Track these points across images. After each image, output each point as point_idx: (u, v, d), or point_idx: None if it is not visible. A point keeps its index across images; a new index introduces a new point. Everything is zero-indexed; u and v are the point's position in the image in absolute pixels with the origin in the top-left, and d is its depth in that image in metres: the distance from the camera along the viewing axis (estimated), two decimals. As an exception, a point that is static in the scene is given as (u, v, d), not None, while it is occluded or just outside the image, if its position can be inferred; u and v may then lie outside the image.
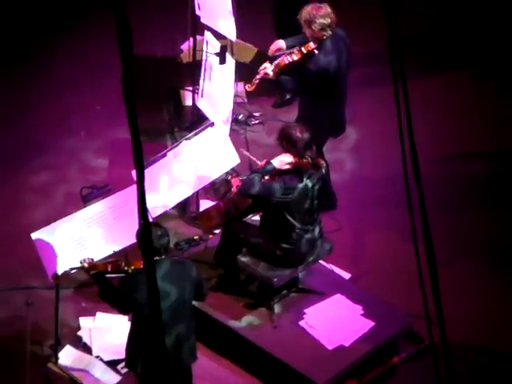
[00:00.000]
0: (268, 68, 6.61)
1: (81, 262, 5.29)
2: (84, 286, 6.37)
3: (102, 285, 5.19)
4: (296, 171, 5.81)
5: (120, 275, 5.18)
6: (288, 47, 6.68)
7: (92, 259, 5.32)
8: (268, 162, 5.87)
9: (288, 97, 7.83)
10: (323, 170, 5.96)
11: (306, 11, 6.45)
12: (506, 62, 8.56)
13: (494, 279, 6.66)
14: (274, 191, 5.75)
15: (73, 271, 5.57)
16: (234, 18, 7.31)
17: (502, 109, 8.10)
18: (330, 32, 6.46)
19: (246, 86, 6.73)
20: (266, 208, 5.91)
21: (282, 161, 5.82)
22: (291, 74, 6.66)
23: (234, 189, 6.08)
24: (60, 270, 5.61)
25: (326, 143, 6.95)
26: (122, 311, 5.39)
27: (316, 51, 6.47)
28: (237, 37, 7.39)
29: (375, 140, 7.70)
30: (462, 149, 7.75)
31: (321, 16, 6.42)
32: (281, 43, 6.72)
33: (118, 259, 5.27)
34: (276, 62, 6.61)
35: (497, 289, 6.59)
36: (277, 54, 6.72)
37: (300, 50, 6.53)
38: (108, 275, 5.21)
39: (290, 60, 6.55)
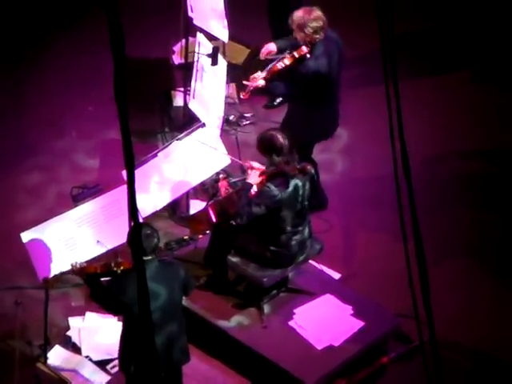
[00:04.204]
0: (260, 76, 6.60)
1: (71, 265, 5.30)
2: (73, 287, 6.37)
3: (93, 287, 5.20)
4: (282, 177, 5.80)
5: (110, 277, 5.19)
6: (279, 49, 6.68)
7: (82, 263, 5.32)
8: (245, 183, 5.89)
9: (279, 100, 7.84)
10: (312, 171, 5.97)
11: (298, 15, 6.44)
12: (500, 62, 8.60)
13: (485, 279, 6.67)
14: (270, 194, 5.75)
15: (63, 274, 5.58)
16: (227, 20, 7.32)
17: (494, 109, 8.13)
18: (322, 35, 6.46)
19: (241, 95, 6.74)
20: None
21: (255, 178, 5.86)
22: (282, 79, 6.67)
23: (222, 192, 6.09)
24: (50, 274, 5.61)
25: (317, 144, 6.97)
26: (113, 313, 5.39)
27: (308, 55, 6.48)
28: (229, 38, 7.41)
29: (366, 141, 7.72)
30: (454, 148, 7.77)
31: (313, 20, 6.41)
32: (271, 46, 6.72)
33: (107, 261, 5.27)
34: (268, 67, 6.61)
35: (487, 288, 6.61)
36: (268, 57, 6.72)
37: (292, 55, 6.52)
38: (100, 278, 5.21)
39: (283, 65, 6.55)
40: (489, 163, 7.67)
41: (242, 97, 6.75)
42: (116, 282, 5.09)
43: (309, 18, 6.40)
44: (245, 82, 6.69)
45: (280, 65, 6.55)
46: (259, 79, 6.59)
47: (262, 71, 6.62)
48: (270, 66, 6.61)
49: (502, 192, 7.39)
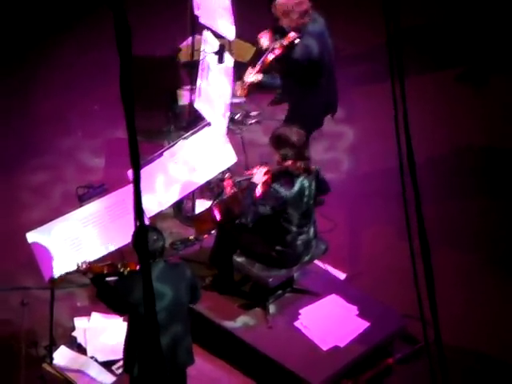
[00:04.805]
0: (254, 71, 6.61)
1: (77, 265, 5.30)
2: (79, 287, 6.37)
3: (99, 287, 5.20)
4: (287, 176, 5.78)
5: (116, 277, 5.19)
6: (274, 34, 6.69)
7: (88, 262, 5.31)
8: (250, 182, 5.87)
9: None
10: (317, 169, 5.94)
11: (282, 3, 6.45)
12: (503, 58, 8.60)
13: (492, 278, 6.65)
14: (276, 196, 5.73)
15: (69, 274, 5.57)
16: (233, 18, 7.32)
17: (497, 103, 8.12)
18: (308, 18, 6.46)
19: (238, 93, 6.74)
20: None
21: (260, 177, 5.83)
22: (275, 69, 6.66)
23: (226, 191, 6.08)
24: (56, 274, 5.61)
25: (321, 141, 6.95)
26: (119, 313, 5.39)
27: (297, 40, 6.47)
28: (235, 36, 7.40)
29: (371, 138, 7.72)
30: (458, 142, 7.77)
31: (297, 4, 6.42)
32: (267, 36, 6.70)
33: (114, 261, 5.27)
34: (260, 61, 6.62)
35: (494, 288, 6.58)
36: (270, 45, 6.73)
37: (281, 44, 6.52)
38: (106, 278, 5.22)
39: (273, 56, 6.55)
40: (493, 156, 7.67)
41: (239, 94, 6.75)
42: (122, 283, 5.09)
43: (293, 3, 6.40)
44: (244, 80, 6.68)
45: (271, 55, 6.55)
46: (253, 74, 6.59)
47: (253, 67, 6.63)
48: (261, 59, 6.61)
49: (507, 184, 7.38)
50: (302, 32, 6.47)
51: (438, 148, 7.66)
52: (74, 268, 5.35)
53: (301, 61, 6.45)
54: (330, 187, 6.97)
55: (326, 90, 6.68)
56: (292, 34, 6.47)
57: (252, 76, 6.61)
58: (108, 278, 5.21)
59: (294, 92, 6.78)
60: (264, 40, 6.71)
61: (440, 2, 9.14)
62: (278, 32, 6.65)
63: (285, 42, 6.49)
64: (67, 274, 5.56)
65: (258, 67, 6.62)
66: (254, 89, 6.85)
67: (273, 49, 6.55)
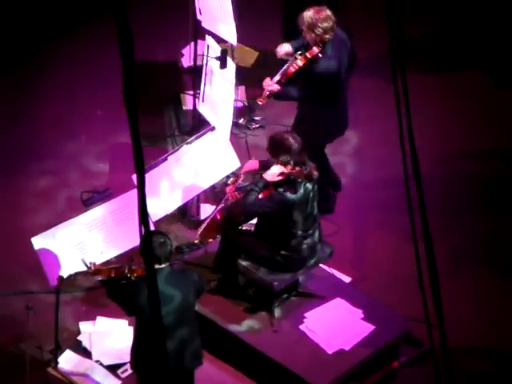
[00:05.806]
0: (274, 80, 6.58)
1: (86, 266, 5.31)
2: (84, 291, 6.38)
3: (109, 287, 5.22)
4: (290, 182, 5.77)
5: (123, 281, 5.20)
6: (295, 49, 6.65)
7: (97, 264, 5.33)
8: (260, 177, 5.85)
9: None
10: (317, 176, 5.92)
11: (308, 16, 6.43)
12: (505, 63, 8.59)
13: (496, 282, 6.65)
14: (283, 199, 5.72)
15: (78, 275, 5.58)
16: (235, 23, 7.32)
17: (502, 109, 8.11)
18: (332, 34, 6.46)
19: (258, 101, 6.71)
20: (265, 217, 5.89)
21: (274, 173, 5.79)
22: (293, 81, 6.64)
23: (229, 196, 6.06)
24: (65, 274, 5.62)
25: (327, 146, 6.96)
26: (129, 313, 5.40)
27: (320, 55, 6.47)
28: (238, 41, 7.40)
29: (376, 143, 7.71)
30: (463, 149, 7.76)
31: (323, 19, 6.41)
32: (287, 47, 6.68)
33: (122, 265, 5.28)
34: (281, 71, 6.59)
35: (499, 291, 6.58)
36: (284, 57, 6.69)
37: (305, 56, 6.51)
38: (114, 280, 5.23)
39: (296, 67, 6.53)
40: (500, 163, 7.65)
41: (259, 103, 6.72)
42: (129, 287, 5.11)
43: (319, 18, 6.39)
44: (264, 88, 6.63)
45: (294, 67, 6.54)
46: (274, 83, 6.58)
47: (273, 76, 6.61)
48: (283, 69, 6.60)
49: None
50: (324, 47, 6.46)
51: (442, 155, 7.64)
52: (84, 268, 5.37)
53: (320, 76, 6.45)
54: (334, 206, 6.99)
55: (339, 107, 6.69)
56: (315, 49, 6.46)
57: (273, 86, 6.58)
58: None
59: (304, 104, 6.74)
60: (284, 48, 6.66)
61: (443, 5, 9.13)
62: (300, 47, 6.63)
63: (308, 54, 6.48)
64: (76, 274, 5.56)
65: (278, 77, 6.59)
66: (270, 97, 6.78)
67: (295, 60, 6.54)
